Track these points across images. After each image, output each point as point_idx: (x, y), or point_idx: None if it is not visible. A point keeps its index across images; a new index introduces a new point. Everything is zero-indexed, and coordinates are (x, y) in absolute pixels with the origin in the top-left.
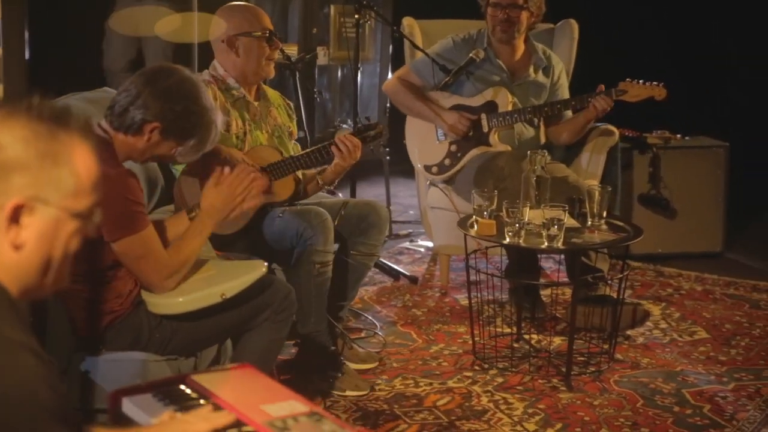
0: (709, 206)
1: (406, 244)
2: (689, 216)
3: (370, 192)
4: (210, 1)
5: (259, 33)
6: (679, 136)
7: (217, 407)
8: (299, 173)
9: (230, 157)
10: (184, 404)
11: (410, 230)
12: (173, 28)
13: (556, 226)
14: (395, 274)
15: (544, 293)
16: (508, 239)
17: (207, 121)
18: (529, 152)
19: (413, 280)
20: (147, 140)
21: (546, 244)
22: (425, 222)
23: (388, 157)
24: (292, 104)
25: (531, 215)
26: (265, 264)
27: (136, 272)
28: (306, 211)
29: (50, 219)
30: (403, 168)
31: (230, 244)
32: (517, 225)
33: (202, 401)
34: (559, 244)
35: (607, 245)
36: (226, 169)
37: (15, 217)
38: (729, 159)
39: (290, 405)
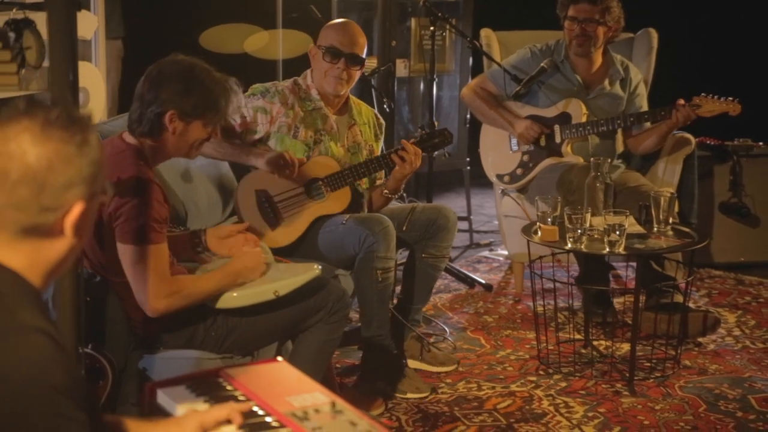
0: None
1: (485, 253)
2: None
3: (452, 203)
4: (293, 20)
5: (325, 46)
6: (761, 143)
7: (245, 397)
8: (362, 187)
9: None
10: (215, 395)
11: (491, 240)
12: (261, 46)
13: (617, 232)
14: (470, 282)
15: (619, 300)
16: (569, 245)
17: (215, 87)
18: (592, 159)
19: (488, 287)
20: (173, 132)
21: (607, 249)
22: (501, 230)
23: (468, 168)
24: (383, 123)
25: (594, 221)
26: (319, 266)
27: (131, 280)
28: (368, 218)
29: (86, 211)
30: (488, 179)
31: (287, 253)
32: (579, 231)
33: (233, 392)
34: (620, 250)
35: (669, 251)
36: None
37: (75, 223)
38: None
39: (313, 396)
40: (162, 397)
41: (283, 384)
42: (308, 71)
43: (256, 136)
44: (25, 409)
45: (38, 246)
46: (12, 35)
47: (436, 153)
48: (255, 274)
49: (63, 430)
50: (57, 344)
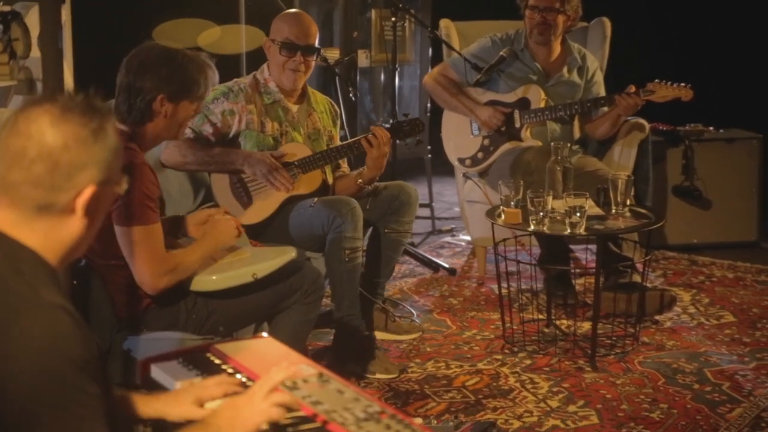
0: (744, 197)
1: (448, 239)
2: (724, 206)
3: None
4: (256, 14)
5: (280, 40)
6: (712, 128)
7: (235, 371)
8: (327, 174)
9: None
10: (207, 369)
11: (453, 226)
12: (214, 40)
13: (578, 214)
14: (435, 267)
15: (579, 281)
16: (532, 227)
17: (193, 64)
18: (552, 144)
19: (452, 271)
20: (165, 115)
21: (568, 230)
22: (463, 215)
23: (429, 156)
24: (338, 110)
25: (555, 204)
26: (295, 249)
27: (132, 262)
28: (335, 200)
29: (101, 196)
30: (449, 167)
31: (255, 235)
32: (541, 213)
33: (223, 366)
34: (581, 231)
35: (628, 231)
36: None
37: (91, 201)
38: (763, 150)
39: (301, 369)
40: (156, 372)
41: (270, 357)
42: (265, 65)
43: (230, 135)
44: (45, 380)
45: (53, 225)
46: (0, 27)
47: (407, 140)
48: (230, 237)
49: (79, 402)
50: (75, 321)
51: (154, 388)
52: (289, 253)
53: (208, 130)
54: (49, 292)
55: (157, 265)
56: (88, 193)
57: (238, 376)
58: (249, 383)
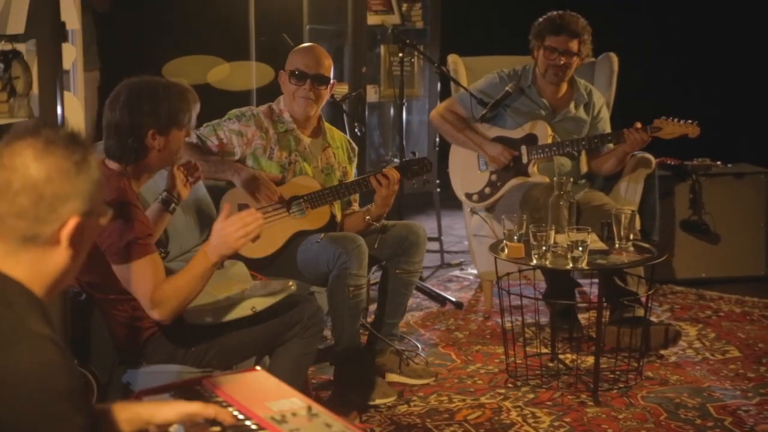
0: (752, 231)
1: (456, 272)
2: (732, 241)
3: (423, 224)
4: (267, 52)
5: (290, 69)
6: (719, 163)
7: (227, 404)
8: (336, 211)
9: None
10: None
11: (462, 260)
12: (223, 77)
13: (580, 248)
14: (441, 300)
15: (585, 315)
16: (535, 261)
17: (175, 92)
18: (555, 178)
19: (458, 305)
20: (158, 149)
21: (570, 265)
22: (470, 249)
23: (438, 190)
24: (356, 148)
25: (558, 238)
26: (295, 283)
27: (136, 295)
28: (341, 237)
29: (85, 227)
30: (458, 201)
31: (262, 269)
32: (543, 248)
33: (214, 398)
34: (583, 265)
35: (630, 265)
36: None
37: (75, 233)
38: None
39: (291, 402)
40: None
41: (262, 390)
42: (281, 97)
43: (233, 158)
44: (32, 411)
45: (38, 257)
46: (1, 66)
47: (414, 180)
48: (227, 247)
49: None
50: (63, 352)
51: None
52: (289, 287)
53: (213, 142)
54: (37, 323)
55: (145, 299)
56: (72, 224)
57: (230, 408)
58: (240, 416)
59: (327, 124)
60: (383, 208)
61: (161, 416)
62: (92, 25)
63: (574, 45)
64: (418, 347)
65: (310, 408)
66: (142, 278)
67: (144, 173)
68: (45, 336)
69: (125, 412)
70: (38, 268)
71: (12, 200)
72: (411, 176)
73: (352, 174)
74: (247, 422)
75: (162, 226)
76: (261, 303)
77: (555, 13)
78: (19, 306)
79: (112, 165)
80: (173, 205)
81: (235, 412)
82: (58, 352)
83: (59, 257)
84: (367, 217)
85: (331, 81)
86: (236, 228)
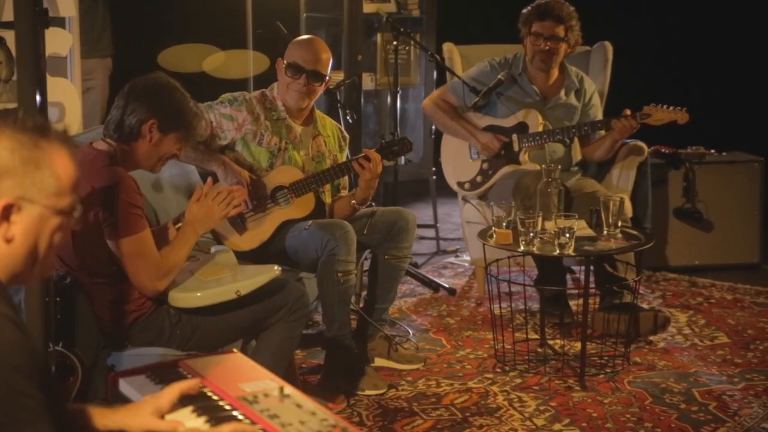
0: (746, 219)
1: (451, 259)
2: (726, 228)
3: (418, 212)
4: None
5: (288, 61)
6: (713, 151)
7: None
8: (326, 196)
9: (239, 175)
10: (173, 383)
11: (458, 247)
12: (218, 65)
13: (567, 235)
14: (435, 287)
15: (576, 302)
16: (522, 247)
17: (192, 109)
18: (543, 166)
19: (451, 291)
20: (150, 140)
21: (557, 251)
22: (464, 236)
23: (434, 177)
24: (347, 137)
25: (547, 225)
26: (279, 267)
27: (130, 271)
28: (330, 223)
29: (35, 216)
30: None
31: (253, 260)
32: (531, 234)
33: (189, 378)
34: (570, 251)
35: (616, 252)
36: (206, 185)
37: (5, 214)
38: (765, 173)
39: (264, 383)
40: (124, 386)
41: (236, 372)
42: (275, 84)
43: (222, 142)
44: None
45: None
46: None
47: (397, 160)
48: (209, 221)
49: (23, 406)
50: (18, 328)
51: (122, 402)
52: (273, 271)
53: (201, 125)
54: None
55: (153, 270)
56: (1, 203)
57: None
58: (213, 396)
59: (319, 112)
60: (368, 191)
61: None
62: (106, 12)
63: (560, 30)
64: (409, 333)
65: (282, 389)
66: (147, 250)
67: (128, 161)
68: (1, 313)
69: (99, 419)
70: (5, 259)
71: None
72: (392, 156)
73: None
74: (220, 402)
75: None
76: (245, 287)
77: (543, 0)
78: None
79: (100, 146)
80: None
81: (207, 392)
82: (14, 330)
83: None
84: (353, 201)
85: (327, 77)
86: (217, 203)
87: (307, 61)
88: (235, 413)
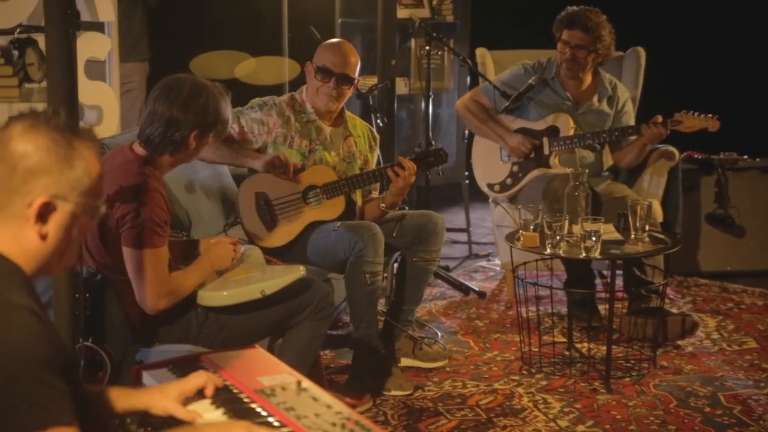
0: None
1: (483, 263)
2: (758, 235)
3: (451, 216)
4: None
5: (318, 65)
6: (746, 157)
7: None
8: (357, 197)
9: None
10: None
11: (490, 251)
12: (250, 71)
13: (593, 238)
14: (465, 290)
15: (604, 306)
16: (549, 250)
17: (219, 100)
18: (570, 170)
19: (481, 294)
20: (192, 148)
21: (584, 254)
22: (495, 239)
23: (467, 182)
24: (377, 137)
25: (574, 228)
26: (304, 267)
27: (135, 283)
28: (358, 225)
29: (69, 213)
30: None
31: (278, 257)
32: (557, 237)
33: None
34: (596, 254)
35: (642, 255)
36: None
37: (42, 213)
38: None
39: (282, 377)
40: (147, 378)
41: (256, 367)
42: (304, 87)
43: (255, 146)
44: (12, 376)
45: (16, 232)
46: (15, 53)
47: (430, 171)
48: (226, 259)
49: (44, 395)
50: (41, 320)
51: None
52: (299, 271)
53: (235, 129)
54: (17, 294)
55: (158, 287)
56: (39, 201)
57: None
58: (232, 388)
59: (349, 113)
60: (398, 197)
61: (157, 410)
62: (144, 17)
63: (586, 40)
64: (437, 334)
65: (299, 383)
66: (153, 267)
67: (166, 165)
68: (25, 306)
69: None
70: (20, 243)
71: None
72: (426, 168)
73: (374, 162)
74: (239, 394)
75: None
76: (271, 287)
77: (575, 7)
78: (0, 278)
79: (139, 150)
80: (192, 254)
81: (227, 384)
82: (37, 322)
83: (33, 235)
84: (382, 205)
85: (356, 79)
86: (228, 252)
87: (336, 64)
88: (252, 405)
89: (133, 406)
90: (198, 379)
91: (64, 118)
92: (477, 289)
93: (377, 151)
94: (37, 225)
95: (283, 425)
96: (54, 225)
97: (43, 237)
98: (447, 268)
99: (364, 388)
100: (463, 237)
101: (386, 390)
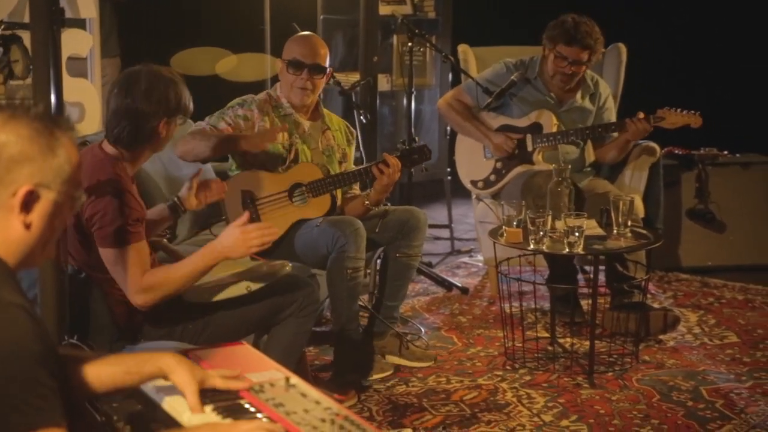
0: (759, 220)
1: (465, 259)
2: (738, 230)
3: (433, 212)
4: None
5: (288, 59)
6: (726, 152)
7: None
8: (338, 194)
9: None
10: None
11: (472, 247)
12: (231, 68)
13: (576, 233)
14: (448, 285)
15: (587, 301)
16: (532, 245)
17: (176, 83)
18: (553, 166)
19: (464, 290)
20: (163, 136)
21: (567, 250)
22: (477, 236)
23: (449, 178)
24: (354, 133)
25: (557, 224)
26: (290, 263)
27: (116, 279)
28: (340, 220)
29: (52, 202)
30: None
31: (263, 255)
32: (540, 233)
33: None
34: (579, 250)
35: (625, 251)
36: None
37: (26, 201)
38: None
39: (270, 374)
40: None
41: (244, 363)
42: (278, 84)
43: None
44: (4, 375)
45: (1, 224)
46: (0, 50)
47: (413, 168)
48: (239, 251)
49: (38, 394)
50: (33, 318)
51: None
52: (284, 268)
53: (223, 126)
54: (7, 292)
55: (134, 284)
56: (23, 190)
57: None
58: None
59: (325, 110)
60: (382, 194)
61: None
62: (112, 14)
63: (584, 56)
64: (421, 330)
65: (288, 379)
66: (128, 264)
67: (140, 159)
68: (15, 303)
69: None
70: (4, 234)
71: None
72: (410, 165)
73: (352, 156)
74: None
75: (160, 227)
76: (256, 283)
77: (570, 18)
78: None
79: (109, 149)
80: (180, 213)
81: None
82: (28, 319)
83: (17, 225)
84: (366, 202)
85: (328, 69)
86: (256, 236)
87: (307, 55)
88: (241, 402)
89: (129, 371)
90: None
91: (43, 107)
92: (459, 285)
93: (354, 146)
94: (21, 214)
95: (272, 422)
96: (38, 214)
97: (27, 226)
98: (429, 264)
99: (348, 384)
100: (445, 233)
101: (370, 376)
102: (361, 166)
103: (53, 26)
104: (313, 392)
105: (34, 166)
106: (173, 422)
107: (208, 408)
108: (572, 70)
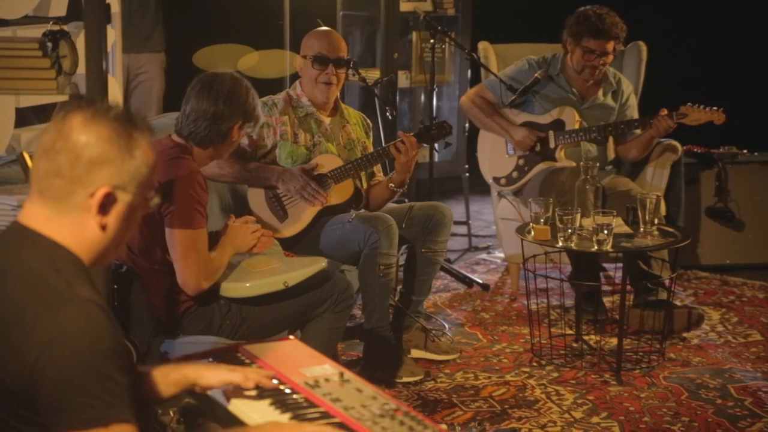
0: None
1: (483, 256)
2: (757, 228)
3: (452, 208)
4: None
5: (312, 55)
6: (745, 151)
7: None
8: (362, 181)
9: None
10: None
11: (489, 243)
12: (253, 65)
13: (605, 231)
14: (469, 282)
15: (609, 299)
16: (560, 243)
17: (251, 92)
18: (581, 163)
19: (485, 287)
20: (234, 140)
21: (595, 247)
22: (498, 233)
23: (467, 174)
24: (370, 123)
25: (584, 222)
26: (325, 259)
27: (179, 264)
28: (373, 216)
29: (128, 204)
30: (487, 186)
31: (290, 247)
32: (569, 230)
33: (251, 365)
34: (608, 248)
35: (653, 248)
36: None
37: (104, 203)
38: None
39: (324, 368)
40: None
41: (296, 358)
42: (297, 82)
43: (265, 150)
44: (78, 368)
45: (76, 224)
46: (50, 45)
47: (435, 148)
48: (245, 243)
49: (107, 389)
50: (107, 315)
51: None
52: (320, 263)
53: (244, 142)
54: (83, 288)
55: (202, 268)
56: (101, 191)
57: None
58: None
59: (342, 104)
60: (404, 174)
61: (206, 380)
62: (158, 8)
63: (611, 46)
64: (444, 326)
65: (342, 374)
66: (196, 247)
67: (204, 158)
68: (92, 300)
69: (173, 374)
70: (80, 235)
71: (53, 158)
72: (431, 141)
73: (371, 147)
74: (282, 387)
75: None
76: (293, 278)
77: (591, 12)
78: (67, 272)
79: (178, 139)
80: None
81: (273, 380)
82: (103, 316)
83: (94, 226)
84: (391, 185)
85: (351, 60)
86: (253, 237)
87: (330, 50)
88: (296, 396)
89: (178, 383)
90: (247, 382)
91: (122, 108)
92: (480, 281)
93: (371, 137)
94: (98, 216)
95: (331, 417)
96: (114, 216)
97: (103, 227)
98: (448, 261)
99: (376, 380)
100: (462, 230)
101: (398, 378)
102: (379, 148)
103: (101, 22)
104: (369, 388)
105: (112, 168)
106: (237, 421)
107: (265, 402)
108: (602, 61)
